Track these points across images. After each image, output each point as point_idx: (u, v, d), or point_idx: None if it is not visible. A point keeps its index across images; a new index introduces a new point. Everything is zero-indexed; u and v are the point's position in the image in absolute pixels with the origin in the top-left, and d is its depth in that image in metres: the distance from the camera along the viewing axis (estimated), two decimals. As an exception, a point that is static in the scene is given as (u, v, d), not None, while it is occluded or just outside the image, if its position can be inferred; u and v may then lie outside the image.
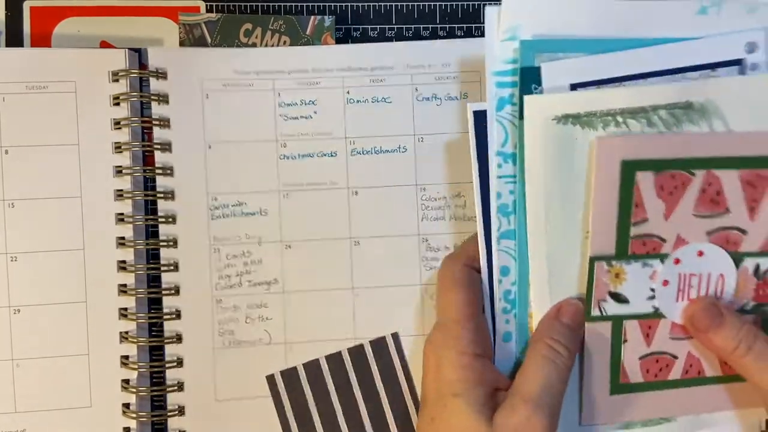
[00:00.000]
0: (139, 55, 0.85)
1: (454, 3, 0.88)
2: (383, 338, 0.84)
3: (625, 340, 0.74)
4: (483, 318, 0.74)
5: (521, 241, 0.74)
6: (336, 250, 0.84)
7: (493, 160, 0.74)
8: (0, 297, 0.82)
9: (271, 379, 0.83)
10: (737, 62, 0.73)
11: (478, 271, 0.75)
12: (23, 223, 0.82)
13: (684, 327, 0.74)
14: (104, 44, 0.86)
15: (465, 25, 0.88)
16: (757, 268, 0.74)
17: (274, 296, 0.84)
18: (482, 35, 0.80)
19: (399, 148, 0.84)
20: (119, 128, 0.83)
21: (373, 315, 0.84)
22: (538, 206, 0.72)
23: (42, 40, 0.86)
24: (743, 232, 0.73)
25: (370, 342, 0.84)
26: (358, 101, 0.84)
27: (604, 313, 0.73)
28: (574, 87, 0.73)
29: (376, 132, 0.84)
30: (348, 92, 0.84)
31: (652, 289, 0.73)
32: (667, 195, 0.72)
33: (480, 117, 0.74)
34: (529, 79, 0.72)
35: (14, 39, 0.86)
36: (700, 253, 0.73)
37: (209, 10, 0.87)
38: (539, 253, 0.73)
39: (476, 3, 0.87)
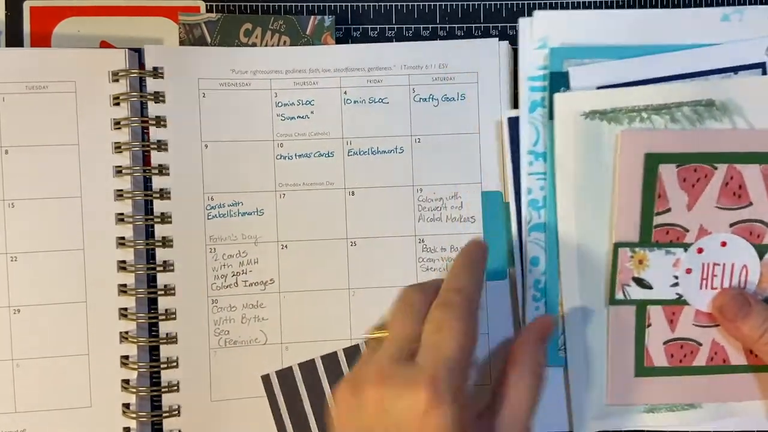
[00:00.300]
0: (139, 56, 0.85)
1: (454, 3, 0.87)
2: (381, 339, 0.83)
3: (649, 324, 0.77)
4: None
5: (551, 233, 0.79)
6: (332, 250, 0.84)
7: (525, 159, 0.79)
8: (0, 297, 0.82)
9: (266, 379, 0.83)
10: (759, 65, 0.76)
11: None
12: (23, 223, 0.82)
13: (709, 314, 0.77)
14: (104, 44, 0.86)
15: (465, 25, 0.87)
16: None
17: (270, 296, 0.84)
18: (482, 35, 0.85)
19: (396, 148, 0.84)
20: (119, 128, 0.83)
21: (369, 315, 0.83)
22: (568, 197, 0.78)
23: (42, 40, 0.86)
24: (767, 224, 0.77)
25: (365, 342, 0.83)
26: (355, 101, 0.84)
27: (627, 297, 0.77)
28: (600, 89, 0.78)
29: (373, 132, 0.84)
30: (345, 92, 0.84)
31: (676, 277, 0.77)
32: (689, 187, 0.76)
33: (513, 122, 0.81)
34: (558, 83, 0.79)
35: (14, 39, 0.86)
36: (724, 244, 0.76)
37: (209, 10, 0.87)
38: (569, 241, 0.78)
39: (476, 3, 0.87)
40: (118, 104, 0.83)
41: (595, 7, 0.86)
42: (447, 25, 0.88)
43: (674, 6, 0.85)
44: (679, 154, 0.76)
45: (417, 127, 0.84)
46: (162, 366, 0.83)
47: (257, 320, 0.83)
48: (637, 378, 0.78)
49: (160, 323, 0.83)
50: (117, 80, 0.83)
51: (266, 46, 0.85)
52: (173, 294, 0.83)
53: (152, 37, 0.87)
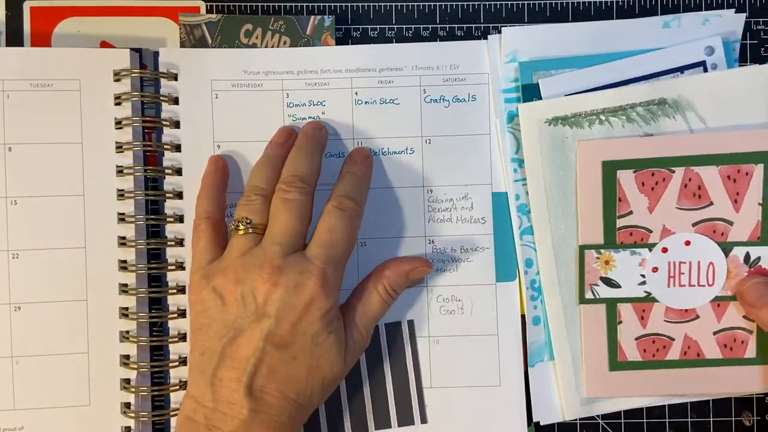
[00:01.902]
0: (139, 56, 0.86)
1: (454, 3, 0.88)
2: (398, 323, 0.85)
3: (620, 321, 0.81)
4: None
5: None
6: (343, 250, 0.84)
7: (509, 166, 0.83)
8: (1, 294, 0.82)
9: None
10: (700, 64, 0.83)
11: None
12: (25, 221, 0.83)
13: (679, 311, 0.80)
14: (104, 44, 0.87)
15: (465, 26, 0.88)
16: (747, 256, 0.80)
17: (279, 296, 0.84)
18: (482, 36, 0.87)
19: (406, 149, 0.85)
20: (120, 128, 0.84)
21: (378, 315, 0.84)
22: (540, 202, 0.81)
23: (42, 40, 0.87)
24: (729, 223, 0.80)
25: (386, 324, 0.85)
26: (366, 102, 0.85)
27: (597, 296, 0.81)
28: (562, 97, 0.83)
29: (383, 133, 0.85)
30: (356, 93, 0.85)
31: (643, 276, 0.81)
32: (648, 190, 0.80)
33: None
34: (530, 94, 0.84)
35: (14, 39, 0.87)
36: (688, 243, 0.80)
37: (209, 10, 0.88)
38: (545, 240, 0.82)
39: (476, 3, 0.88)
40: (119, 104, 0.84)
41: (575, 17, 0.88)
42: (447, 26, 0.88)
43: (624, 17, 0.88)
44: (635, 160, 0.80)
45: (428, 127, 0.85)
46: (171, 364, 0.83)
47: (267, 320, 0.84)
48: (611, 372, 0.82)
49: (170, 321, 0.84)
50: (119, 80, 0.84)
51: (266, 46, 0.86)
52: (183, 292, 0.84)
53: (152, 37, 0.87)
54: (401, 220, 0.85)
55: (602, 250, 0.81)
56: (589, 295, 0.81)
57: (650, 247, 0.80)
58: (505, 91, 0.85)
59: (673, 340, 0.81)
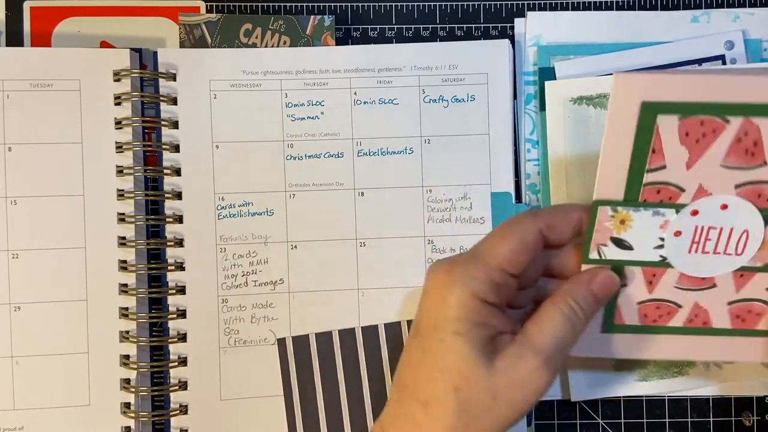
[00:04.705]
0: (139, 56, 0.86)
1: (454, 3, 0.89)
2: (398, 323, 0.86)
3: (624, 285, 0.72)
4: (513, 282, 0.68)
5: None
6: (342, 250, 0.85)
7: (523, 146, 0.87)
8: (1, 294, 0.83)
9: (282, 342, 0.85)
10: (719, 57, 0.82)
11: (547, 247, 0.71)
12: (25, 221, 0.83)
13: (694, 278, 0.72)
14: (104, 44, 0.87)
15: (465, 26, 0.89)
16: None
17: (279, 296, 0.85)
18: (482, 35, 0.88)
19: (405, 149, 0.85)
20: (120, 128, 0.84)
21: (377, 316, 0.85)
22: (560, 178, 0.80)
23: (42, 40, 0.87)
24: None
25: (385, 324, 0.85)
26: (365, 102, 0.85)
27: (602, 257, 0.71)
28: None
29: (382, 133, 0.85)
30: (355, 93, 0.85)
31: (662, 239, 0.70)
32: (692, 143, 0.66)
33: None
34: (546, 77, 0.85)
35: (14, 39, 0.87)
36: (724, 206, 0.68)
37: (209, 10, 0.88)
38: None
39: (476, 3, 0.89)
40: (119, 104, 0.84)
41: (584, 8, 0.88)
42: (447, 26, 0.89)
43: (651, 8, 0.88)
44: (684, 104, 0.64)
45: (427, 128, 0.85)
46: (171, 364, 0.83)
47: (267, 320, 0.85)
48: (603, 334, 0.75)
49: (170, 322, 0.84)
50: (119, 80, 0.84)
51: (266, 46, 0.87)
52: (183, 293, 0.84)
53: (152, 37, 0.88)
54: (400, 221, 0.85)
55: (619, 208, 0.68)
56: (593, 256, 0.71)
57: (678, 208, 0.68)
58: (525, 74, 0.88)
59: (681, 307, 0.73)
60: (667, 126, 0.65)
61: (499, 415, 0.63)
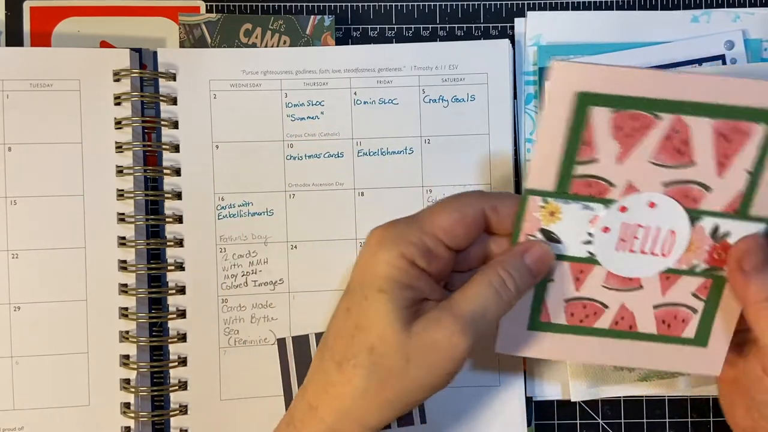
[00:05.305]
0: (139, 56, 0.86)
1: (454, 3, 0.89)
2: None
3: (551, 280, 0.72)
4: (447, 254, 0.68)
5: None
6: (342, 250, 0.85)
7: (523, 146, 0.86)
8: (1, 294, 0.83)
9: (282, 342, 0.85)
10: (719, 57, 0.82)
11: (489, 232, 0.71)
12: (25, 221, 0.83)
13: (621, 278, 0.71)
14: (104, 44, 0.87)
15: (465, 26, 0.89)
16: (715, 229, 0.69)
17: (279, 296, 0.85)
18: (482, 35, 0.88)
19: (405, 149, 0.85)
20: (120, 128, 0.84)
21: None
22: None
23: (42, 39, 0.87)
24: (707, 188, 0.68)
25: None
26: (365, 102, 0.85)
27: None
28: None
29: (382, 133, 0.86)
30: (355, 93, 0.85)
31: (590, 234, 0.70)
32: (624, 137, 0.67)
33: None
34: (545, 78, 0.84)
35: (14, 39, 0.87)
36: (652, 205, 0.68)
37: (209, 10, 0.88)
38: None
39: (476, 3, 0.89)
40: (119, 104, 0.84)
41: (584, 8, 0.88)
42: (447, 25, 0.89)
43: (651, 8, 0.88)
44: (617, 97, 0.65)
45: (427, 128, 0.85)
46: (171, 364, 0.84)
47: (267, 320, 0.85)
48: (530, 331, 0.74)
49: (170, 322, 0.84)
50: (119, 80, 0.84)
51: (266, 46, 0.87)
52: (183, 293, 0.85)
53: (152, 37, 0.88)
54: (401, 221, 0.84)
55: (549, 199, 0.68)
56: None
57: (607, 203, 0.68)
58: (526, 74, 0.88)
59: (607, 308, 0.72)
60: (600, 118, 0.66)
61: (413, 377, 0.63)
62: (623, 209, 0.68)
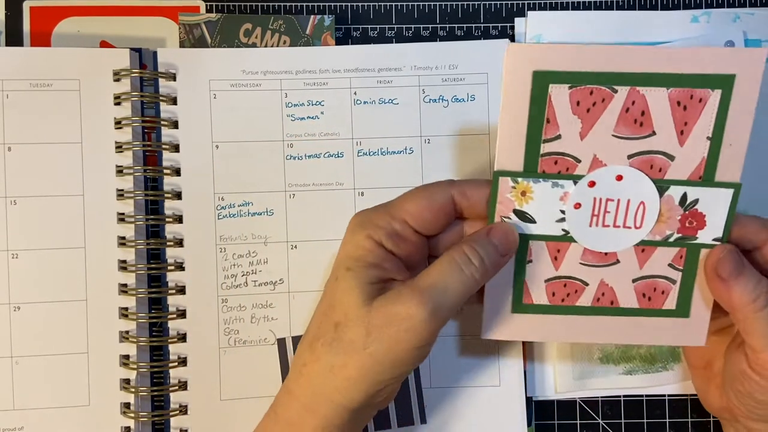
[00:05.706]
0: (139, 56, 0.86)
1: (454, 3, 0.89)
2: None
3: (530, 261, 0.72)
4: (416, 239, 0.69)
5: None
6: (342, 250, 0.85)
7: None
8: (1, 294, 0.83)
9: (282, 342, 0.85)
10: None
11: (460, 217, 0.72)
12: (25, 221, 0.83)
13: (598, 254, 0.72)
14: (104, 44, 0.87)
15: (465, 25, 0.89)
16: (684, 197, 0.69)
17: (279, 296, 0.85)
18: (482, 35, 0.88)
19: (405, 149, 0.85)
20: (120, 128, 0.84)
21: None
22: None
23: (42, 39, 0.87)
24: (670, 157, 0.69)
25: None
26: (365, 102, 0.85)
27: None
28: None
29: (382, 133, 0.86)
30: (355, 93, 0.85)
31: (563, 211, 0.70)
32: (583, 112, 0.68)
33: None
34: None
35: (14, 39, 0.87)
36: (619, 177, 0.69)
37: (209, 10, 0.88)
38: None
39: (476, 3, 0.89)
40: (119, 104, 0.84)
41: (584, 8, 0.88)
42: (447, 25, 0.89)
43: (651, 8, 0.89)
44: (573, 73, 0.67)
45: (427, 127, 0.85)
46: (171, 365, 0.84)
47: (267, 320, 0.85)
48: (514, 314, 0.74)
49: (170, 322, 0.84)
50: (119, 80, 0.84)
51: (266, 46, 0.87)
52: (183, 293, 0.84)
53: (152, 37, 0.88)
54: (401, 220, 0.84)
55: (520, 179, 0.69)
56: None
57: (576, 179, 0.69)
58: None
59: (587, 285, 0.73)
60: (559, 95, 0.67)
61: (372, 352, 0.64)
62: (592, 184, 0.69)
